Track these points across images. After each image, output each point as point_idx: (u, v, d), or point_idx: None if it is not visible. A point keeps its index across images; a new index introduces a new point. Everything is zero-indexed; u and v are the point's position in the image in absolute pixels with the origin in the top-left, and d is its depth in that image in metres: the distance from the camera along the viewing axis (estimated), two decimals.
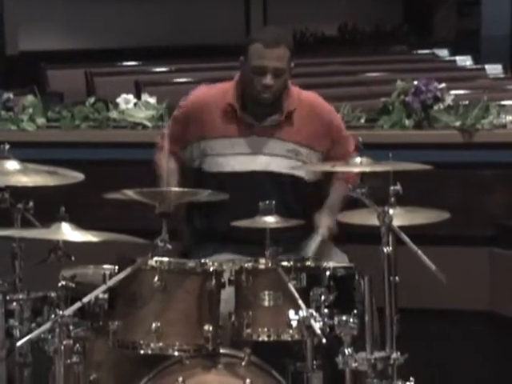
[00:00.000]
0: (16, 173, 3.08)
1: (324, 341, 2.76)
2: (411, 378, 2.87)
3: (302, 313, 2.78)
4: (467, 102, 4.28)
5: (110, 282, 2.91)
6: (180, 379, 2.85)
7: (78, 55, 12.39)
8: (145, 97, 4.51)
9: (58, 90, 9.88)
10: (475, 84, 9.62)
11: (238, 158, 3.60)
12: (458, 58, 12.17)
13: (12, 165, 3.10)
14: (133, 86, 8.50)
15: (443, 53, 12.94)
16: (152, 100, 4.46)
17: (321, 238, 3.50)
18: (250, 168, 3.60)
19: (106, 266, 3.23)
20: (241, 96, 3.60)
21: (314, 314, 2.79)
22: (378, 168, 3.02)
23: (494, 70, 11.01)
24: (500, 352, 4.07)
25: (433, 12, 16.79)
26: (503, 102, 5.38)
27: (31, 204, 3.19)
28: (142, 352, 2.94)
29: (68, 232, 2.95)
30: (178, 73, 10.09)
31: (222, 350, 3.01)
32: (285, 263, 2.97)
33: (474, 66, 11.68)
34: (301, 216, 3.41)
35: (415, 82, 4.25)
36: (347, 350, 2.80)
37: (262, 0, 15.57)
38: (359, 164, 3.02)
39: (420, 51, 13.27)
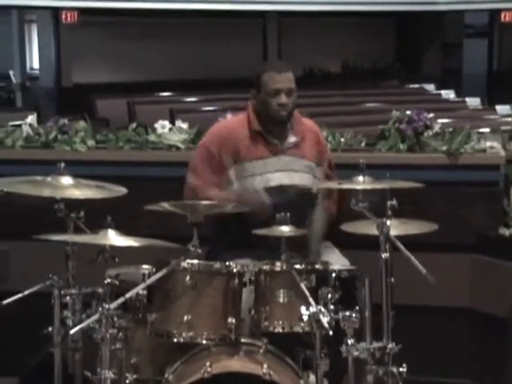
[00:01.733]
0: (70, 187, 3.08)
1: (330, 333, 2.74)
2: (404, 365, 2.84)
3: (312, 309, 2.76)
4: (452, 130, 4.26)
5: (149, 281, 2.90)
6: (207, 364, 2.82)
7: (122, 87, 12.44)
8: (178, 123, 4.48)
9: (105, 117, 9.93)
10: (457, 114, 9.60)
11: (270, 175, 3.57)
12: (442, 91, 12.17)
13: (66, 180, 3.09)
14: (168, 113, 8.53)
15: (430, 87, 12.93)
16: (184, 125, 4.44)
17: None
18: (282, 182, 3.56)
19: (145, 267, 3.21)
20: (263, 122, 3.59)
21: (322, 309, 2.76)
22: (377, 186, 3.01)
23: (474, 102, 11.00)
24: (478, 342, 4.03)
25: (421, 52, 16.78)
26: (481, 130, 5.35)
27: (82, 214, 3.18)
28: (175, 340, 2.93)
29: (113, 238, 2.96)
30: (206, 102, 10.12)
31: (243, 340, 2.98)
32: (297, 266, 2.95)
33: (457, 99, 11.67)
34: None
35: (408, 112, 4.22)
36: (350, 341, 2.78)
37: (277, 41, 15.60)
38: (362, 182, 3.00)
39: (410, 85, 13.27)
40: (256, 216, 3.37)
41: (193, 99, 10.62)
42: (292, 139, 3.61)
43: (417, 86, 13.01)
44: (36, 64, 14.44)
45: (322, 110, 8.35)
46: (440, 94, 12.03)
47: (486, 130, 5.72)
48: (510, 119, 7.90)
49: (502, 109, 9.61)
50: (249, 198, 3.46)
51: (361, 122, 7.66)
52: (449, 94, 11.95)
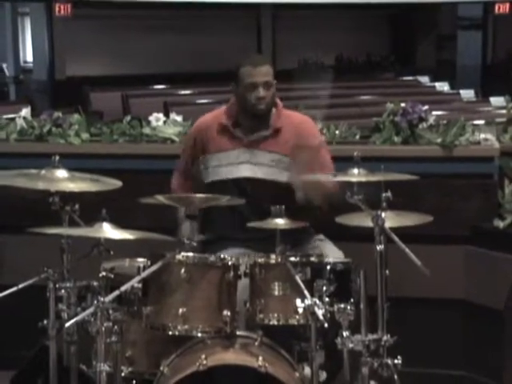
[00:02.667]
0: (64, 180, 3.07)
1: (326, 325, 2.74)
2: (399, 357, 2.85)
3: (307, 301, 2.76)
4: (446, 122, 4.26)
5: (144, 274, 2.90)
6: (203, 356, 2.83)
7: (116, 80, 12.41)
8: (173, 115, 4.48)
9: (99, 110, 9.89)
10: (451, 106, 9.60)
11: (229, 168, 3.58)
12: (437, 84, 12.15)
13: (61, 173, 3.09)
14: (162, 106, 8.50)
15: (424, 79, 12.91)
16: (179, 118, 4.43)
17: None
18: (238, 175, 3.57)
19: (140, 260, 3.22)
20: (234, 116, 3.61)
21: (317, 302, 2.77)
22: (372, 178, 3.01)
23: (467, 94, 10.99)
24: (473, 334, 4.04)
25: (415, 45, 16.77)
26: (475, 122, 5.35)
27: (77, 207, 3.18)
28: (170, 333, 2.93)
29: (108, 231, 2.96)
30: (200, 95, 10.10)
31: (238, 332, 2.99)
32: (292, 259, 2.95)
33: (451, 91, 11.65)
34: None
35: (403, 105, 4.22)
36: (345, 333, 2.79)
37: (271, 34, 15.58)
38: (356, 174, 3.00)
39: (405, 78, 13.26)
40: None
41: (187, 92, 10.60)
42: (263, 133, 3.58)
43: (411, 78, 13.00)
44: (29, 57, 14.39)
45: (316, 103, 8.33)
46: (434, 87, 12.01)
47: (481, 122, 5.72)
48: (504, 111, 7.90)
49: (496, 101, 9.61)
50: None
51: (355, 114, 7.65)
52: (443, 87, 11.94)
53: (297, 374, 2.94)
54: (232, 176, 3.56)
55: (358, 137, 4.32)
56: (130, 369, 3.07)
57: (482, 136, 4.15)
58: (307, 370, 2.94)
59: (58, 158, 3.08)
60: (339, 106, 8.71)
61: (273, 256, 2.99)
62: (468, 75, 13.62)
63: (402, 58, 16.20)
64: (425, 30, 16.47)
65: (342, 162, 3.47)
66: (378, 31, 16.89)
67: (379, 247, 2.82)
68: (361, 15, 16.03)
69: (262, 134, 3.58)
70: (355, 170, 3.01)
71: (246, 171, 3.56)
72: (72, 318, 2.90)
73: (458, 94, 10.94)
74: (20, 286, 3.09)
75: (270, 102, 3.54)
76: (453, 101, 10.32)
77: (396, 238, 2.83)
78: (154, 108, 5.23)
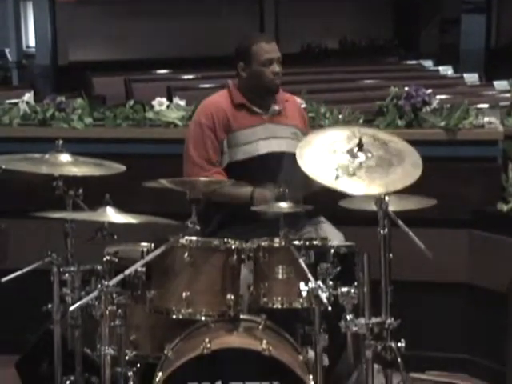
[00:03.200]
0: (68, 164, 3.08)
1: (329, 308, 2.74)
2: (402, 340, 2.85)
3: (311, 284, 2.76)
4: (450, 105, 4.25)
5: (148, 258, 2.91)
6: (206, 340, 2.82)
7: (119, 64, 12.38)
8: (176, 100, 4.47)
9: (102, 94, 9.86)
10: (455, 90, 9.55)
11: (261, 142, 3.59)
12: (440, 67, 12.09)
13: (65, 157, 3.10)
14: (165, 91, 8.48)
15: (428, 63, 12.85)
16: (182, 103, 4.43)
17: None
18: (270, 150, 3.59)
19: (143, 244, 3.21)
20: (245, 94, 3.63)
21: (321, 285, 2.77)
22: None
23: (471, 78, 10.93)
24: (476, 317, 4.05)
25: (419, 29, 16.71)
26: (479, 106, 5.34)
27: (81, 191, 3.19)
28: (174, 317, 2.94)
29: (112, 215, 2.96)
30: (203, 79, 10.05)
31: (242, 316, 3.00)
32: (296, 242, 2.95)
33: (454, 75, 11.60)
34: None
35: (406, 88, 4.21)
36: (349, 316, 2.78)
37: (274, 17, 15.53)
38: None
39: (408, 62, 13.20)
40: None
41: (190, 76, 10.56)
42: (276, 107, 3.65)
43: (415, 62, 12.95)
44: (32, 42, 14.36)
45: (320, 87, 8.30)
46: (438, 70, 11.95)
47: (484, 105, 5.70)
48: (507, 95, 7.87)
49: (499, 84, 9.57)
50: (259, 199, 3.45)
51: (359, 98, 7.63)
52: (447, 70, 11.89)
53: (300, 358, 2.95)
54: (262, 152, 3.58)
55: (361, 121, 4.31)
56: (134, 352, 3.08)
57: (486, 119, 4.14)
58: (311, 354, 2.94)
59: (61, 142, 3.09)
60: (342, 91, 8.70)
61: (276, 239, 2.99)
62: (472, 59, 13.56)
63: (405, 42, 16.14)
64: (428, 14, 16.40)
65: None
66: (382, 15, 16.82)
67: (383, 231, 2.82)
68: None
69: (276, 109, 3.65)
70: None
71: (273, 146, 3.59)
72: (76, 301, 2.90)
73: (462, 77, 10.89)
74: (24, 270, 3.09)
75: (281, 76, 3.61)
76: (456, 85, 10.27)
77: (400, 222, 2.83)
78: (156, 92, 5.22)
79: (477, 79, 10.99)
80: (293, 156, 3.44)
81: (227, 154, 3.59)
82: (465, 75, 10.93)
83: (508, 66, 11.65)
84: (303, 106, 4.17)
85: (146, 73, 10.61)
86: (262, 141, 3.60)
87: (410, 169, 2.84)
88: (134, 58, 13.41)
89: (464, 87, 10.16)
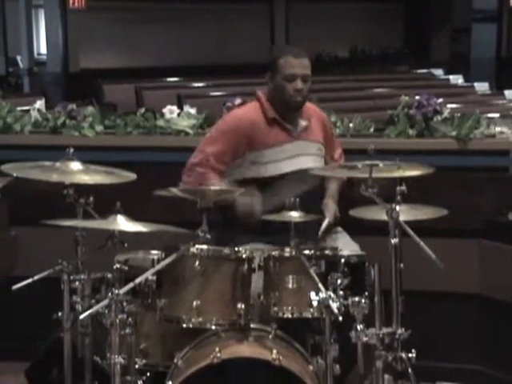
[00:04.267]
0: (79, 172, 3.08)
1: (340, 318, 2.73)
2: (413, 350, 2.84)
3: (322, 294, 2.76)
4: (461, 115, 4.23)
5: (158, 266, 2.90)
6: (217, 349, 2.82)
7: (129, 72, 12.41)
8: (186, 108, 4.47)
9: (112, 102, 9.89)
10: (466, 99, 9.55)
11: (287, 161, 3.57)
12: (451, 76, 12.09)
13: (75, 165, 3.10)
14: (175, 99, 8.50)
15: (438, 72, 12.85)
16: (193, 111, 4.42)
17: (328, 222, 3.48)
18: (297, 167, 3.57)
19: (154, 252, 3.22)
20: (275, 108, 3.59)
21: (332, 295, 2.76)
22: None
23: (482, 87, 10.93)
24: (487, 328, 4.03)
25: (429, 38, 16.71)
26: (489, 115, 5.32)
27: (91, 199, 3.19)
28: (184, 325, 2.93)
29: (122, 223, 2.95)
30: (213, 87, 10.08)
31: (252, 325, 2.98)
32: (307, 252, 2.95)
33: (465, 84, 11.59)
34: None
35: (417, 97, 4.20)
36: (359, 326, 2.77)
37: (284, 26, 15.56)
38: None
39: (419, 71, 13.19)
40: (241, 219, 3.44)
41: (200, 84, 10.59)
42: (303, 123, 3.62)
43: (425, 71, 12.94)
44: (43, 49, 14.40)
45: (330, 96, 8.31)
46: (448, 79, 11.96)
47: (495, 115, 5.69)
48: None
49: (510, 93, 9.56)
50: (241, 204, 3.44)
51: (369, 107, 7.63)
52: (457, 79, 11.89)
53: (311, 368, 2.94)
54: (291, 169, 3.56)
55: (372, 129, 4.31)
56: (144, 361, 3.07)
57: (498, 129, 4.13)
58: (321, 364, 2.93)
59: (72, 150, 3.09)
60: (352, 99, 8.70)
61: (287, 249, 2.98)
62: (482, 68, 13.54)
63: (416, 51, 16.13)
64: (439, 23, 16.40)
65: (357, 155, 3.46)
66: (392, 23, 16.83)
67: (394, 240, 2.81)
68: (375, 7, 15.97)
69: (303, 125, 3.62)
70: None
71: (300, 163, 3.57)
72: (86, 309, 2.91)
73: (473, 86, 10.88)
74: (35, 277, 3.09)
75: (306, 95, 3.56)
76: (467, 94, 10.27)
77: (411, 232, 2.82)
78: (167, 100, 5.24)
79: (487, 88, 10.99)
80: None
81: (251, 169, 3.55)
82: (475, 84, 10.93)
83: None
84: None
85: (156, 80, 10.64)
86: (289, 159, 3.57)
87: None
88: (145, 66, 13.45)
89: (474, 96, 10.15)
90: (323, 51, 15.55)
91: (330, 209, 3.55)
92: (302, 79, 3.51)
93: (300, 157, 3.59)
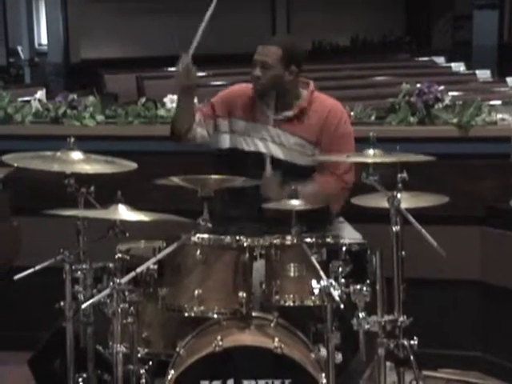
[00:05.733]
0: (80, 162, 3.07)
1: (342, 306, 2.73)
2: (415, 338, 2.84)
3: (323, 282, 2.75)
4: (462, 102, 4.23)
5: (159, 255, 2.90)
6: (218, 337, 2.82)
7: (130, 62, 12.39)
8: None
9: (113, 91, 9.88)
10: (468, 86, 9.53)
11: (254, 140, 3.58)
12: (452, 64, 12.06)
13: (76, 155, 3.09)
14: (176, 88, 8.47)
15: (440, 60, 12.82)
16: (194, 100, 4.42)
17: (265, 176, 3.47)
18: (260, 150, 3.57)
19: (155, 242, 3.21)
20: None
21: (333, 283, 2.76)
22: (388, 159, 2.99)
23: (484, 74, 10.90)
24: (489, 314, 4.04)
25: (431, 25, 16.67)
26: (492, 102, 5.31)
27: (92, 189, 3.18)
28: (186, 314, 2.93)
29: (124, 212, 2.94)
30: (214, 77, 10.06)
31: (253, 314, 2.99)
32: (308, 240, 2.94)
33: (467, 72, 11.56)
34: None
35: (418, 85, 4.20)
36: (361, 314, 2.77)
37: (285, 15, 15.52)
38: (372, 155, 2.98)
39: (420, 58, 13.16)
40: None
41: (201, 74, 10.58)
42: (287, 113, 3.57)
43: (427, 59, 12.91)
44: (44, 40, 14.38)
45: (331, 84, 8.28)
46: (450, 67, 11.93)
47: (497, 102, 5.68)
48: None
49: None
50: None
51: (370, 95, 7.62)
52: (459, 67, 11.85)
53: (312, 355, 2.94)
54: (255, 149, 3.57)
55: (373, 118, 4.30)
56: (146, 350, 3.08)
57: (499, 116, 4.12)
58: (323, 352, 2.93)
59: (73, 139, 3.08)
60: (354, 88, 8.68)
61: (288, 237, 2.98)
62: (484, 55, 13.52)
63: (417, 39, 16.09)
64: (440, 10, 16.35)
65: (358, 143, 3.46)
66: (394, 11, 16.78)
67: (395, 228, 2.81)
68: None
69: (287, 115, 3.57)
70: (371, 151, 2.99)
71: (267, 148, 3.56)
72: (88, 299, 2.90)
73: (474, 74, 10.86)
74: (37, 267, 3.09)
75: (265, 83, 3.51)
76: (469, 81, 10.25)
77: (412, 219, 2.82)
78: (168, 90, 5.21)
79: (489, 76, 10.97)
80: (290, 165, 3.46)
81: (221, 136, 3.63)
82: (477, 72, 10.91)
83: None
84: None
85: (157, 70, 10.62)
86: (258, 140, 3.57)
87: None
88: (146, 56, 13.42)
89: (476, 84, 10.13)
90: (324, 40, 15.52)
91: (272, 187, 3.44)
92: (261, 66, 3.49)
93: (269, 143, 3.56)
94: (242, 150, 3.59)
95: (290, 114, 3.57)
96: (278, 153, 3.56)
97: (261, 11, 15.22)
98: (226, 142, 3.64)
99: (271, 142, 3.57)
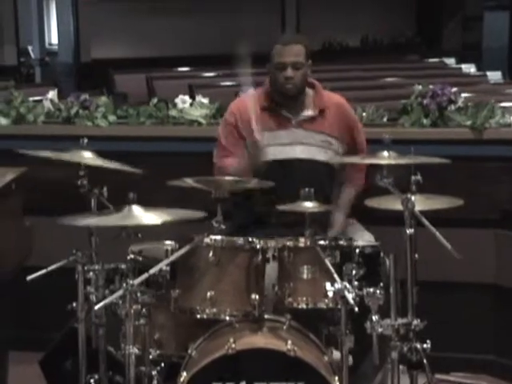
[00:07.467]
0: (92, 162, 3.07)
1: (356, 309, 2.71)
2: (428, 341, 2.82)
3: (337, 285, 2.74)
4: (476, 104, 4.20)
5: (172, 257, 2.89)
6: (231, 340, 2.81)
7: (140, 62, 12.39)
8: (199, 97, 4.45)
9: (123, 91, 9.88)
10: (478, 88, 9.48)
11: (278, 148, 3.56)
12: (463, 65, 12.00)
13: (88, 155, 3.09)
14: (186, 89, 8.47)
15: (450, 61, 12.76)
16: (205, 100, 4.41)
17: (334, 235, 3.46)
18: (289, 156, 3.56)
19: (168, 243, 3.20)
20: (274, 96, 3.60)
21: (347, 285, 2.74)
22: (402, 161, 2.98)
23: (494, 76, 10.85)
24: (503, 318, 4.01)
25: (441, 26, 16.60)
26: (503, 104, 5.27)
27: (105, 189, 3.18)
28: (198, 316, 2.92)
29: (137, 214, 2.92)
30: (224, 77, 10.03)
31: (266, 316, 2.97)
32: (321, 242, 2.93)
33: (477, 73, 11.51)
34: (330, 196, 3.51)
35: (431, 87, 4.17)
36: (374, 317, 2.76)
37: (295, 15, 15.50)
38: (386, 157, 2.96)
39: (430, 60, 13.10)
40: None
41: (211, 74, 10.55)
42: (308, 113, 3.59)
43: (437, 60, 12.86)
44: (55, 39, 14.39)
45: (340, 85, 8.24)
46: (460, 68, 11.87)
47: (509, 104, 5.64)
48: None
49: None
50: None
51: (380, 96, 7.58)
52: (469, 68, 11.79)
53: (325, 358, 2.92)
54: (282, 157, 3.55)
55: (385, 119, 4.28)
56: (158, 351, 3.07)
57: None
58: (336, 354, 2.92)
59: (86, 140, 3.08)
60: (364, 89, 8.65)
61: (301, 239, 2.96)
62: (495, 57, 13.46)
63: (427, 40, 16.04)
64: (451, 11, 16.29)
65: (371, 145, 3.44)
66: (404, 12, 16.73)
67: (409, 231, 2.79)
68: None
69: (309, 115, 3.58)
70: (385, 153, 2.97)
71: (298, 152, 3.56)
72: (100, 300, 2.90)
73: (485, 75, 10.81)
74: (49, 268, 3.09)
75: (298, 82, 3.53)
76: (479, 83, 10.19)
77: (426, 222, 2.80)
78: (178, 90, 5.20)
79: (500, 77, 10.91)
80: (321, 164, 3.47)
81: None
82: (488, 73, 10.86)
83: None
84: None
85: (167, 70, 10.61)
86: (284, 146, 3.56)
87: None
88: (156, 56, 13.42)
89: (487, 85, 10.08)
90: (334, 40, 15.49)
91: (338, 222, 3.56)
92: (293, 67, 3.49)
93: (297, 145, 3.56)
94: (270, 161, 3.52)
95: (310, 113, 3.59)
96: (309, 153, 3.56)
97: (271, 11, 15.19)
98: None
99: (298, 145, 3.57)
